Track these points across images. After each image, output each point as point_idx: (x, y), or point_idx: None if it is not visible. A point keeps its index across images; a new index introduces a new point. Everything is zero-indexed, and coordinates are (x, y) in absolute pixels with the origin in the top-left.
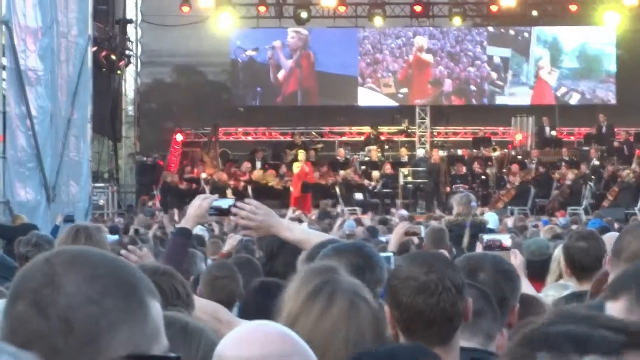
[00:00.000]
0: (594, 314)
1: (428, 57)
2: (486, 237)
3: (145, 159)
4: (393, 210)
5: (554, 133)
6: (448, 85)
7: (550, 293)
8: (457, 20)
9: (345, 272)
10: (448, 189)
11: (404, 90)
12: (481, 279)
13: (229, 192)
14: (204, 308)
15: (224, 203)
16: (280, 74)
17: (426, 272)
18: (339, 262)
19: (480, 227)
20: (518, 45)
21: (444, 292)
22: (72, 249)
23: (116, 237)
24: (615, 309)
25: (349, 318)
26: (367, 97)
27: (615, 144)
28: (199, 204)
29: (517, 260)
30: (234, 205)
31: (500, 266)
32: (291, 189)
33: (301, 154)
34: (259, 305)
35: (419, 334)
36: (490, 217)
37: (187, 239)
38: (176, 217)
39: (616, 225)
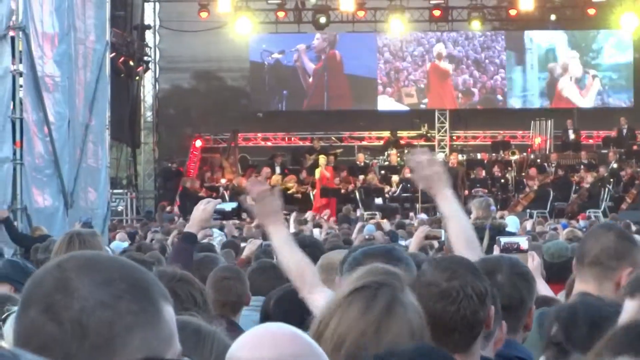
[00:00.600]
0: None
1: (447, 66)
2: (503, 239)
3: (169, 165)
4: (411, 214)
5: (573, 137)
6: (475, 95)
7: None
8: (476, 25)
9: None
10: (467, 192)
11: (427, 100)
12: (499, 281)
13: (248, 198)
14: (297, 263)
15: (227, 206)
16: (307, 76)
17: (448, 278)
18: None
19: (499, 230)
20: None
21: (465, 299)
22: (83, 253)
23: (125, 244)
24: (632, 306)
25: (387, 322)
26: (387, 101)
27: (634, 147)
28: (203, 208)
29: (534, 262)
30: (240, 207)
31: (517, 268)
32: (312, 194)
33: (322, 159)
34: (286, 312)
35: (439, 339)
36: (511, 221)
37: (191, 243)
38: None
39: (633, 228)
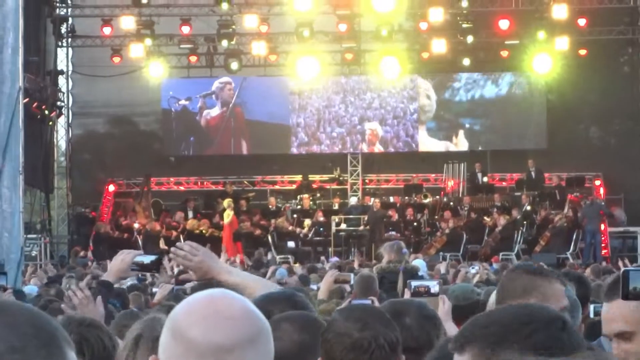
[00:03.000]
0: None
1: (379, 146)
2: (414, 283)
3: (83, 209)
4: (323, 258)
5: (485, 179)
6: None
7: None
8: (389, 67)
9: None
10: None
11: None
12: (407, 324)
13: (161, 242)
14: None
15: (147, 259)
16: (212, 123)
17: (360, 329)
18: (270, 311)
19: (412, 274)
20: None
21: (377, 350)
22: None
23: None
24: None
25: None
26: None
27: (547, 189)
28: (121, 259)
29: (445, 305)
30: (159, 260)
31: (425, 311)
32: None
33: (226, 203)
34: None
35: None
36: (418, 264)
37: (107, 292)
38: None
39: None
